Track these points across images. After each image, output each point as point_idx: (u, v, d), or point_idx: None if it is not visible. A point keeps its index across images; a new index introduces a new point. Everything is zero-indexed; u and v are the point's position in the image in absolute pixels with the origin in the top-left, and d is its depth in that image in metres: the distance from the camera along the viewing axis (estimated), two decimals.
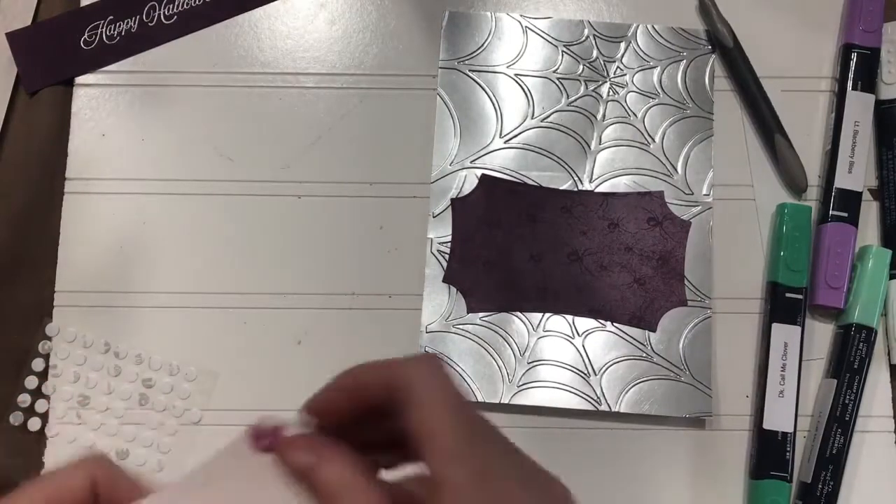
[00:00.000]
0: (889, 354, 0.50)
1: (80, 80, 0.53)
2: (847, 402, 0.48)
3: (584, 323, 0.50)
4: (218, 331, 0.50)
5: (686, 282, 0.50)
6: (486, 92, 0.52)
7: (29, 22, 0.54)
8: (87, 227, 0.51)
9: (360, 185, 0.52)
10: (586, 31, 0.53)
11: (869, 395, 0.49)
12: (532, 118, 0.52)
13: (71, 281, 0.50)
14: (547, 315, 0.50)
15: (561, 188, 0.51)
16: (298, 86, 0.53)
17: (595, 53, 0.53)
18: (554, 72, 0.53)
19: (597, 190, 0.51)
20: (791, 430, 0.48)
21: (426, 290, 0.50)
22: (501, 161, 0.52)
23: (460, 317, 0.49)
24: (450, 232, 0.50)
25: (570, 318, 0.50)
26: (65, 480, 0.29)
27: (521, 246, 0.50)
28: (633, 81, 0.53)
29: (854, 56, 0.53)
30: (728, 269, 0.51)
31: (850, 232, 0.51)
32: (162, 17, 0.54)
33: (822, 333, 0.51)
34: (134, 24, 0.54)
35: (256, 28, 0.54)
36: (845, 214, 0.51)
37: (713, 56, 0.53)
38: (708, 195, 0.51)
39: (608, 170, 0.52)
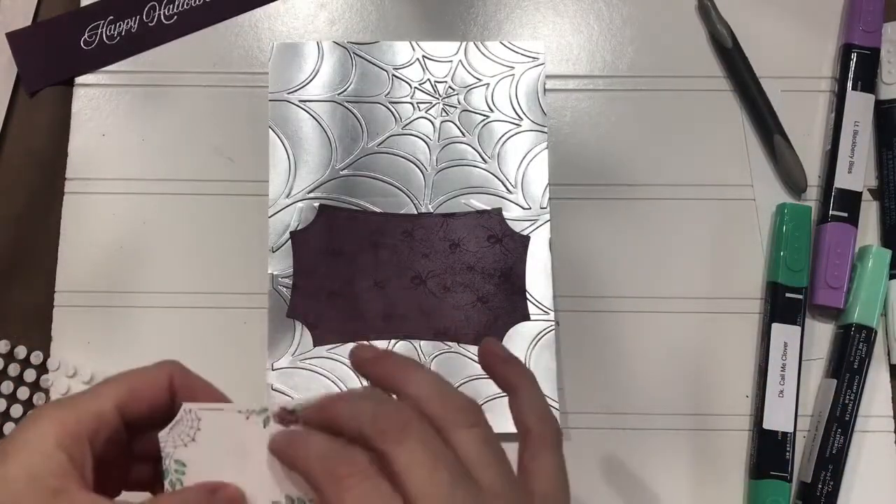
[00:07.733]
0: (889, 354, 0.50)
1: (80, 80, 0.53)
2: (847, 402, 0.48)
3: (429, 347, 0.49)
4: (218, 331, 0.50)
5: (528, 296, 0.50)
6: (318, 122, 0.52)
7: (29, 22, 0.54)
8: (87, 227, 0.51)
9: None
10: (414, 54, 0.53)
11: (869, 395, 0.49)
12: (367, 145, 0.51)
13: (71, 281, 0.50)
14: (393, 341, 0.49)
15: (401, 212, 0.51)
16: None
17: (425, 75, 0.53)
18: (385, 96, 0.52)
19: (436, 212, 0.51)
20: (791, 430, 0.48)
21: (269, 327, 0.49)
22: (339, 190, 0.51)
23: (307, 351, 0.49)
24: (291, 266, 0.50)
25: (416, 342, 0.49)
26: (145, 375, 0.32)
27: (365, 274, 0.50)
28: (464, 100, 0.52)
29: (854, 56, 0.53)
30: (728, 269, 0.51)
31: (850, 232, 0.51)
32: (162, 17, 0.54)
33: (822, 333, 0.51)
34: (134, 24, 0.54)
35: (256, 28, 0.54)
36: (845, 214, 0.51)
37: (542, 67, 0.53)
38: (545, 208, 0.51)
39: (446, 191, 0.51)
